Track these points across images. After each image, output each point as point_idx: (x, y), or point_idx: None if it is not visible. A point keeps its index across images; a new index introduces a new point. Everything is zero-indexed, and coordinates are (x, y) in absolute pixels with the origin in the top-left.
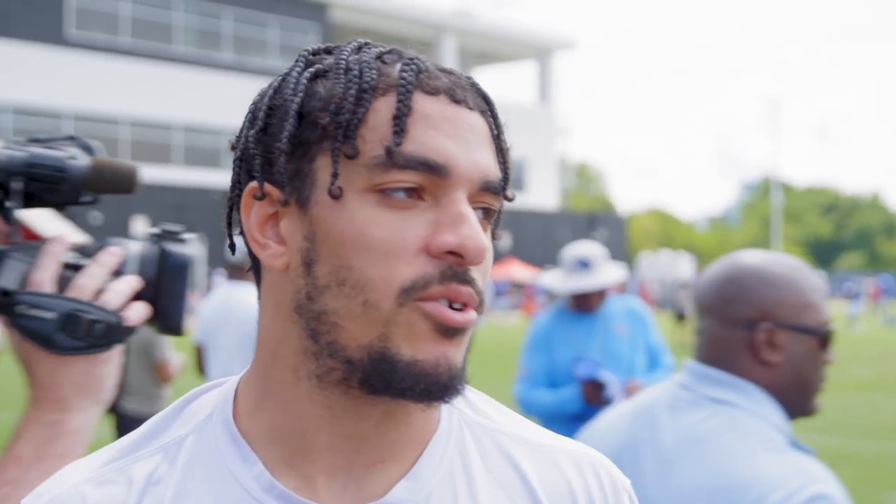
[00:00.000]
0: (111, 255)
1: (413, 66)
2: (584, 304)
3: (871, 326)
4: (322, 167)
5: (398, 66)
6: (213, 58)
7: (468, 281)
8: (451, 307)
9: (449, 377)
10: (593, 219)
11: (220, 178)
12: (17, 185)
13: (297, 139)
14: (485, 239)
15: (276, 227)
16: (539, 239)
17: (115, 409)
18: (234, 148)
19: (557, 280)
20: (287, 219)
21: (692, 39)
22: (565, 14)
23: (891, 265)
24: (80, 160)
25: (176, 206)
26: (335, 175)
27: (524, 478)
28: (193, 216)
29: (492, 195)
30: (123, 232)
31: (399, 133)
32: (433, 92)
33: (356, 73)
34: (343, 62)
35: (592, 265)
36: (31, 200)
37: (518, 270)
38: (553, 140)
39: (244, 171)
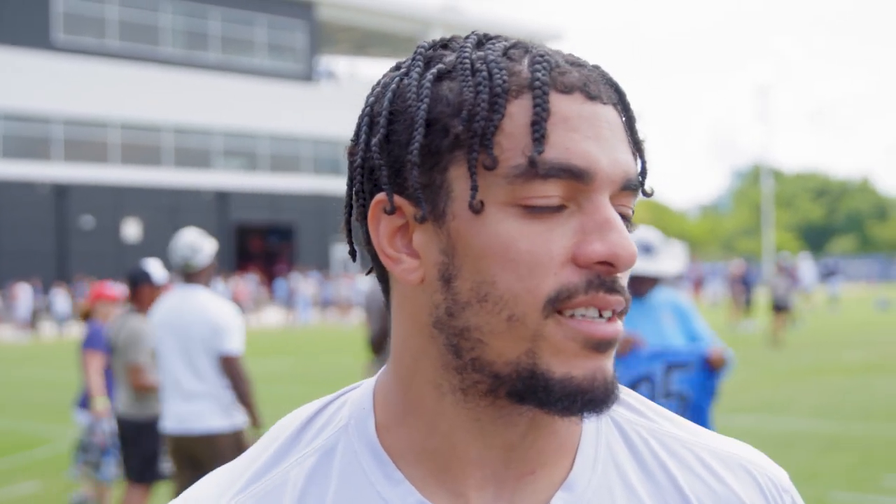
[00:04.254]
0: None
1: (545, 64)
2: (637, 288)
3: (864, 310)
4: (457, 178)
5: (526, 62)
6: (201, 58)
7: (616, 289)
8: (600, 316)
9: (605, 391)
10: None
11: (212, 178)
12: None
13: (427, 148)
14: (634, 244)
15: (407, 240)
16: None
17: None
18: (352, 154)
19: None
20: (420, 231)
21: (683, 30)
22: (552, 6)
23: (882, 248)
24: None
25: (167, 207)
26: (475, 188)
27: (673, 481)
28: (185, 217)
29: (632, 192)
30: (115, 234)
31: (540, 140)
32: (567, 90)
33: (485, 74)
34: (467, 61)
35: (654, 251)
36: None
37: None
38: None
39: (368, 181)
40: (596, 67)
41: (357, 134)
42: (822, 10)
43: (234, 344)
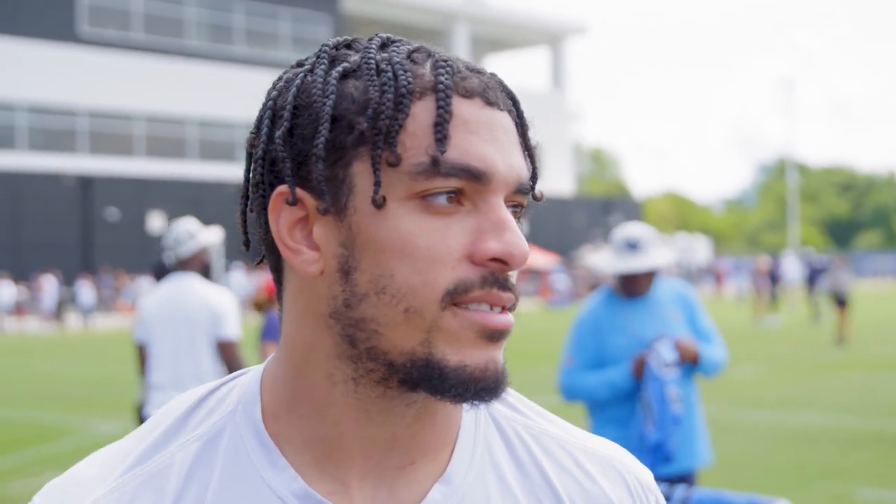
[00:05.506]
0: None
1: (448, 68)
2: (633, 287)
3: (889, 305)
4: (359, 173)
5: (428, 65)
6: (225, 52)
7: (509, 287)
8: (491, 310)
9: (496, 380)
10: (609, 204)
11: (236, 171)
12: None
13: (331, 143)
14: (526, 244)
15: (306, 232)
16: (555, 225)
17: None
18: (253, 146)
19: (606, 261)
20: (321, 224)
21: (706, 23)
22: None
23: None
24: None
25: (192, 200)
26: (378, 184)
27: (546, 478)
28: (209, 210)
29: (523, 195)
30: (140, 227)
31: (442, 140)
32: (468, 95)
33: (390, 74)
34: (373, 61)
35: (642, 247)
36: None
37: (534, 257)
38: (567, 126)
39: (269, 172)
40: (493, 76)
41: (258, 126)
42: (844, 3)
43: (233, 329)
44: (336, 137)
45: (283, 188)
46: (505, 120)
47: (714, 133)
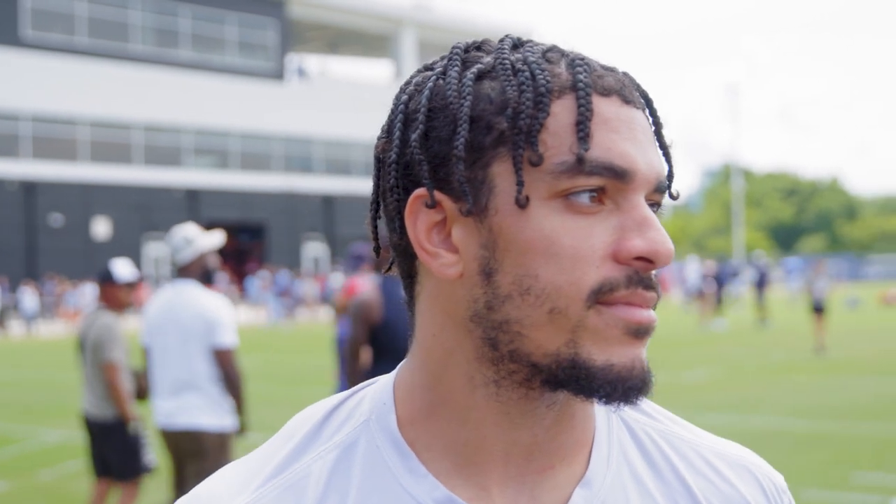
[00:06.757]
0: None
1: (585, 66)
2: None
3: (834, 309)
4: (499, 174)
5: (564, 64)
6: (171, 56)
7: (652, 286)
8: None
9: (643, 379)
10: None
11: (182, 176)
12: None
13: (469, 144)
14: (671, 241)
15: (444, 235)
16: None
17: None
18: (384, 151)
19: None
20: (460, 226)
21: (652, 30)
22: (523, 5)
23: (851, 248)
24: None
25: (137, 205)
26: (521, 183)
27: (682, 480)
28: (155, 216)
29: (661, 193)
30: (84, 233)
31: (585, 139)
32: (606, 93)
33: (527, 74)
34: (507, 62)
35: None
36: None
37: None
38: None
39: (403, 176)
40: (626, 74)
41: (389, 131)
42: (791, 11)
43: (228, 337)
44: (474, 138)
45: (420, 191)
46: (641, 118)
47: None
